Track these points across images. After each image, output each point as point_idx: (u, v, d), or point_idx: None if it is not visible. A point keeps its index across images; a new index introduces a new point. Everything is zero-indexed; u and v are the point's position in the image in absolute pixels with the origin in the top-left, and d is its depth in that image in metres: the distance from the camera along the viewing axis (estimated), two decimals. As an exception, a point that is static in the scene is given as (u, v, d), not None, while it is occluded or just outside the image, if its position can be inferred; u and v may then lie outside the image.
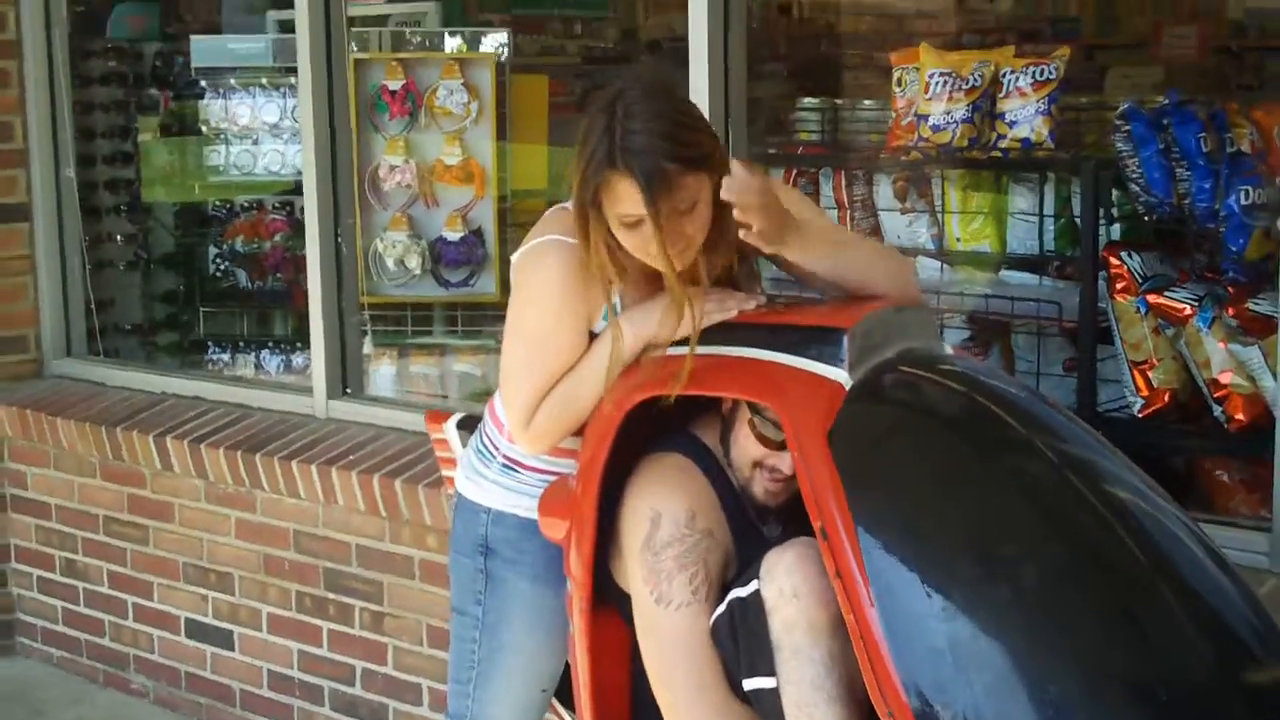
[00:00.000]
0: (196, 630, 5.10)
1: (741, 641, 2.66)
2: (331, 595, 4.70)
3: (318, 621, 4.76)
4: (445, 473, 3.47)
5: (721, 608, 2.70)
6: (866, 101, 4.54)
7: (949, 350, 3.02)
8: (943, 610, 2.41)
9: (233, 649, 5.00)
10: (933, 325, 3.06)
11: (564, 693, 3.23)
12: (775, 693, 2.60)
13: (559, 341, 2.90)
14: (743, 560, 2.78)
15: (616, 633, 2.94)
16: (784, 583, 2.57)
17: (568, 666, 3.14)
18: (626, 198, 2.72)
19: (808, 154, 4.43)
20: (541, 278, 2.90)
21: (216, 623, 5.04)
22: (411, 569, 4.49)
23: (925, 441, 2.70)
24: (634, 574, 2.77)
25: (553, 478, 3.07)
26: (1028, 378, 4.03)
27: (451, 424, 3.40)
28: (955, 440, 2.70)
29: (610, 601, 2.92)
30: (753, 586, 2.63)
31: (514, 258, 2.98)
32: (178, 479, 5.04)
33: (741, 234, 2.72)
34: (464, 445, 3.29)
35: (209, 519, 5.00)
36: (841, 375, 2.65)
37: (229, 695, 5.04)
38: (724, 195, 2.67)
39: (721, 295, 2.87)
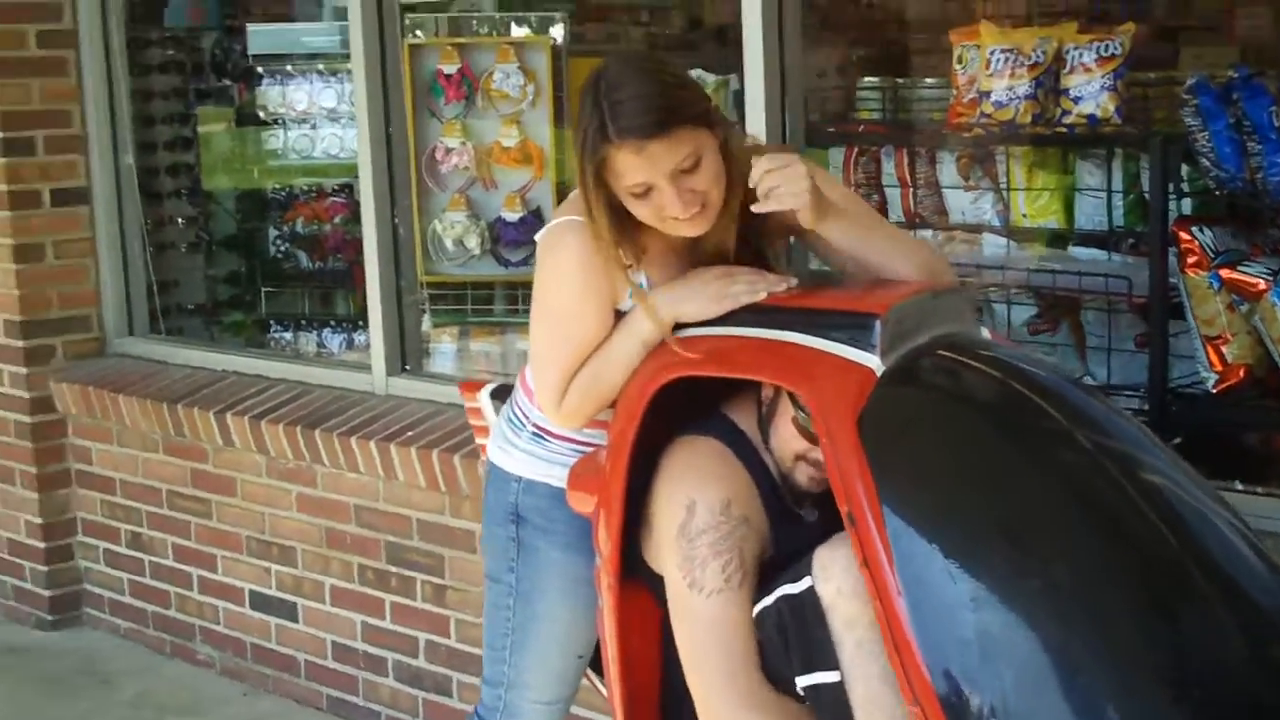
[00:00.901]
0: (261, 602, 5.20)
1: (793, 638, 2.66)
2: (393, 568, 4.79)
3: (380, 594, 4.84)
4: (479, 441, 3.49)
5: (769, 601, 2.69)
6: (928, 80, 4.53)
7: (986, 336, 2.99)
8: (971, 600, 2.39)
9: (297, 621, 5.10)
10: (970, 310, 3.02)
11: (598, 661, 3.21)
12: (836, 687, 2.60)
13: (583, 320, 2.91)
14: (779, 543, 2.79)
15: (645, 607, 2.93)
16: (841, 581, 2.57)
17: (602, 635, 3.18)
18: (628, 168, 2.73)
19: (869, 132, 4.44)
20: (562, 257, 2.90)
21: (280, 595, 5.14)
22: (472, 543, 4.55)
23: (958, 428, 2.67)
24: (668, 559, 2.77)
25: (582, 447, 3.08)
26: (1099, 354, 4.01)
27: (485, 393, 3.42)
28: (989, 427, 2.67)
29: (639, 576, 2.92)
30: (805, 584, 2.62)
31: (537, 238, 3.01)
32: (239, 454, 5.14)
33: (785, 210, 2.76)
34: (497, 415, 3.31)
35: (271, 493, 5.10)
36: (873, 360, 2.62)
37: (294, 666, 5.14)
38: (754, 179, 2.73)
39: (752, 277, 2.86)
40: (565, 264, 2.90)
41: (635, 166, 2.72)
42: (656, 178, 2.73)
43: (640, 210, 2.79)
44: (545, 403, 3.01)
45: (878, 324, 2.64)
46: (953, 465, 2.59)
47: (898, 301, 2.72)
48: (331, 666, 5.02)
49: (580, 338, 2.92)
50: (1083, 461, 2.57)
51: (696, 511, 2.74)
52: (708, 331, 2.83)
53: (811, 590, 2.61)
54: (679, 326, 2.86)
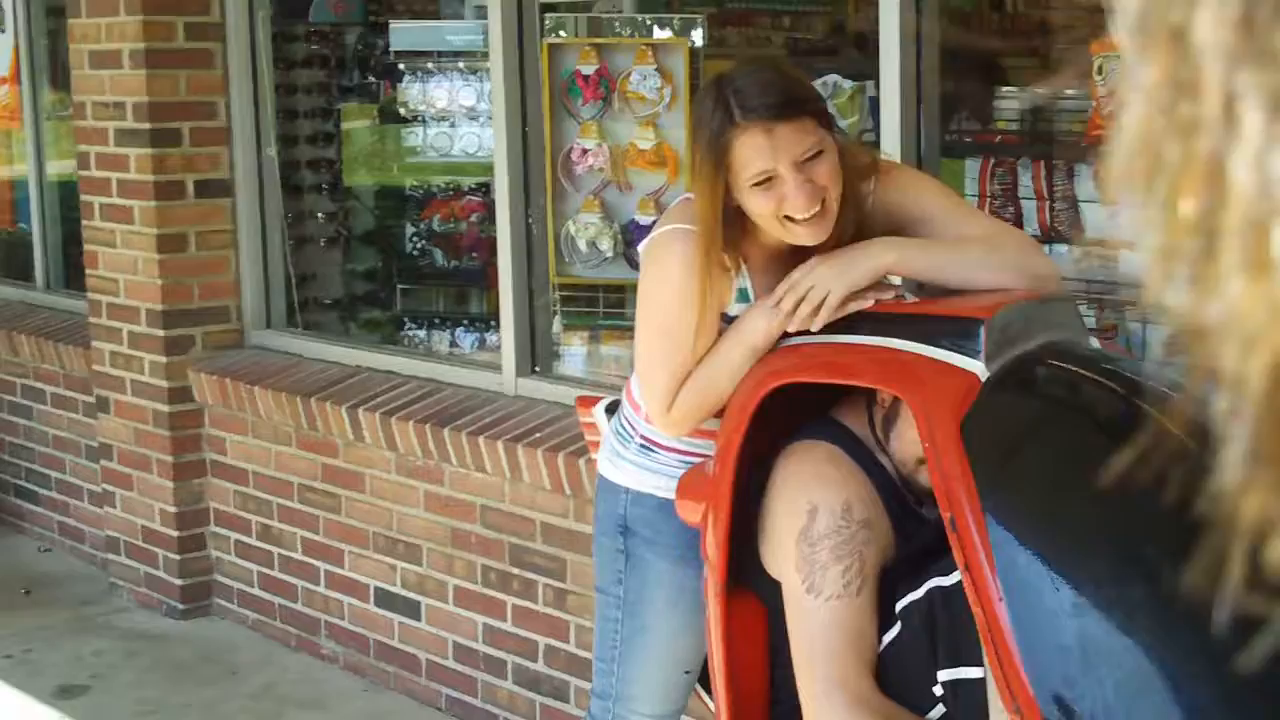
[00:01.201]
0: (385, 599, 5.22)
1: (941, 631, 2.64)
2: (516, 570, 4.78)
3: (502, 596, 4.84)
4: (594, 456, 3.50)
5: (919, 594, 2.68)
6: (1068, 91, 4.47)
7: (1095, 344, 2.98)
8: (1074, 607, 2.37)
9: (419, 619, 5.11)
10: (1077, 317, 3.00)
11: (704, 675, 3.21)
12: (978, 684, 2.58)
13: (689, 328, 2.89)
14: (906, 542, 2.78)
15: (752, 615, 2.94)
16: None
17: (711, 648, 3.17)
18: (754, 152, 2.72)
19: (1006, 144, 4.38)
20: (669, 264, 2.90)
21: (405, 592, 5.15)
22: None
23: (1062, 434, 2.66)
24: (787, 563, 2.77)
25: (689, 458, 3.08)
26: None
27: (600, 408, 3.42)
28: (1094, 434, 2.65)
29: (746, 583, 2.92)
30: (957, 576, 2.59)
31: (640, 247, 3.00)
32: (369, 450, 5.16)
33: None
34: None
35: (399, 490, 5.11)
36: (977, 366, 2.62)
37: (415, 665, 5.15)
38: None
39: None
40: (673, 271, 2.89)
41: (761, 150, 2.71)
42: (781, 164, 2.72)
43: (759, 204, 2.77)
44: (653, 411, 3.00)
45: (982, 329, 2.64)
46: (1056, 471, 2.59)
47: (1003, 307, 2.72)
48: (452, 666, 5.02)
49: (687, 345, 2.91)
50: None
51: (818, 516, 2.73)
52: (815, 340, 2.84)
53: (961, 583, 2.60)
54: (785, 335, 2.86)
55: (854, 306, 2.81)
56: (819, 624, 2.71)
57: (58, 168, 6.95)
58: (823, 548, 2.71)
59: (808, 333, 2.84)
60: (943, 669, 2.65)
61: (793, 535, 2.75)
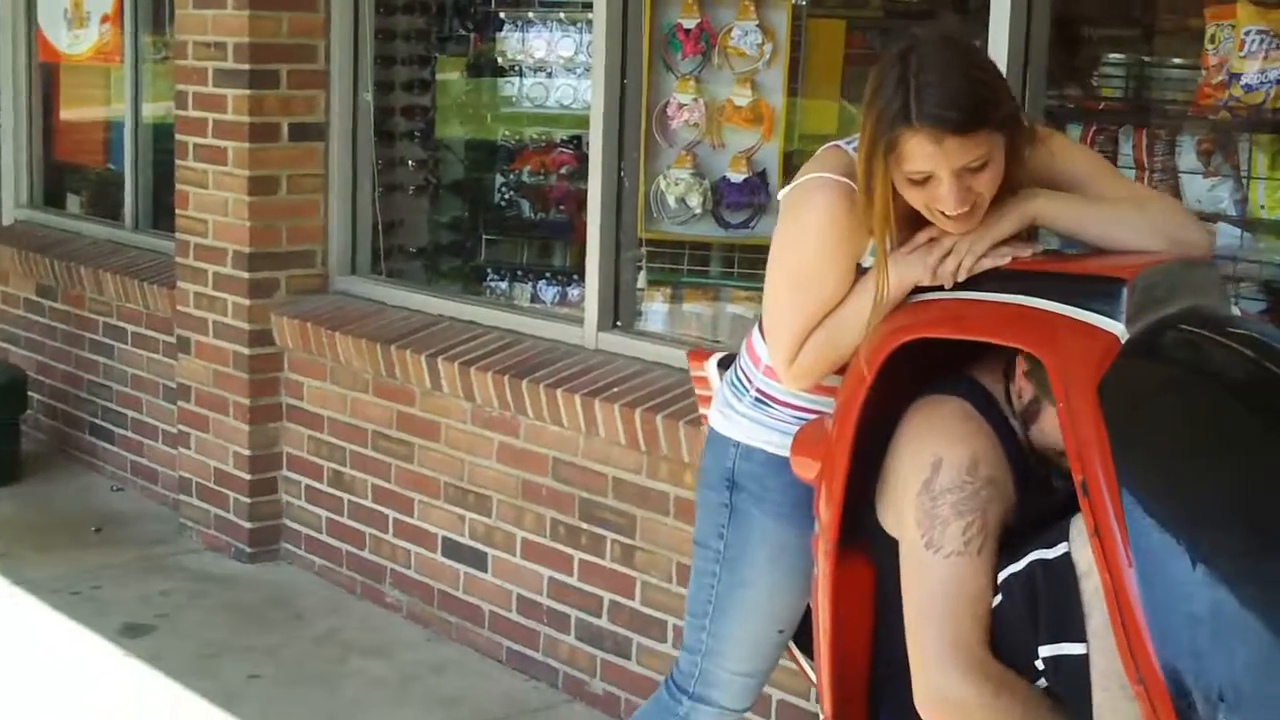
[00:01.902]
0: (452, 549, 5.16)
1: (1044, 605, 2.57)
2: (585, 525, 4.72)
3: (570, 550, 4.78)
4: (703, 410, 3.44)
5: (1020, 566, 2.61)
6: (1175, 59, 4.39)
7: (1238, 313, 2.89)
8: (1206, 578, 2.31)
9: (485, 570, 5.05)
10: (1220, 285, 2.93)
11: (802, 639, 3.19)
12: (1080, 660, 2.51)
13: (825, 281, 2.86)
14: (1024, 510, 2.70)
15: (861, 575, 2.89)
16: None
17: (808, 611, 3.10)
18: (919, 154, 2.68)
19: (1109, 110, 4.30)
20: (811, 217, 2.86)
21: (472, 543, 5.09)
22: (666, 505, 4.48)
23: (1202, 403, 2.59)
24: (907, 516, 2.70)
25: (805, 414, 3.03)
26: None
27: (713, 362, 3.37)
28: (1235, 405, 2.59)
29: (855, 544, 2.86)
30: (1061, 549, 2.54)
31: (781, 194, 2.95)
32: (446, 399, 5.11)
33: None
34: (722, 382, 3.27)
35: (473, 440, 5.05)
36: (1118, 328, 2.54)
37: (479, 616, 5.09)
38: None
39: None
40: (814, 222, 2.86)
41: (927, 155, 2.68)
42: (943, 171, 2.68)
43: (912, 194, 2.75)
44: (778, 361, 2.96)
45: (1124, 290, 2.56)
46: (1194, 440, 2.52)
47: (1146, 268, 2.64)
48: (515, 619, 4.96)
49: (821, 297, 2.87)
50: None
51: (942, 469, 2.67)
52: (948, 296, 2.77)
53: (1067, 556, 2.54)
54: (918, 290, 2.80)
55: (990, 263, 2.74)
56: (937, 580, 2.65)
57: (151, 110, 6.94)
58: (945, 502, 2.65)
59: (940, 288, 2.77)
60: (1044, 644, 2.58)
61: (915, 487, 2.68)
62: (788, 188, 2.93)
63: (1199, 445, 2.51)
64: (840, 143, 2.93)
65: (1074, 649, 2.53)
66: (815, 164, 2.91)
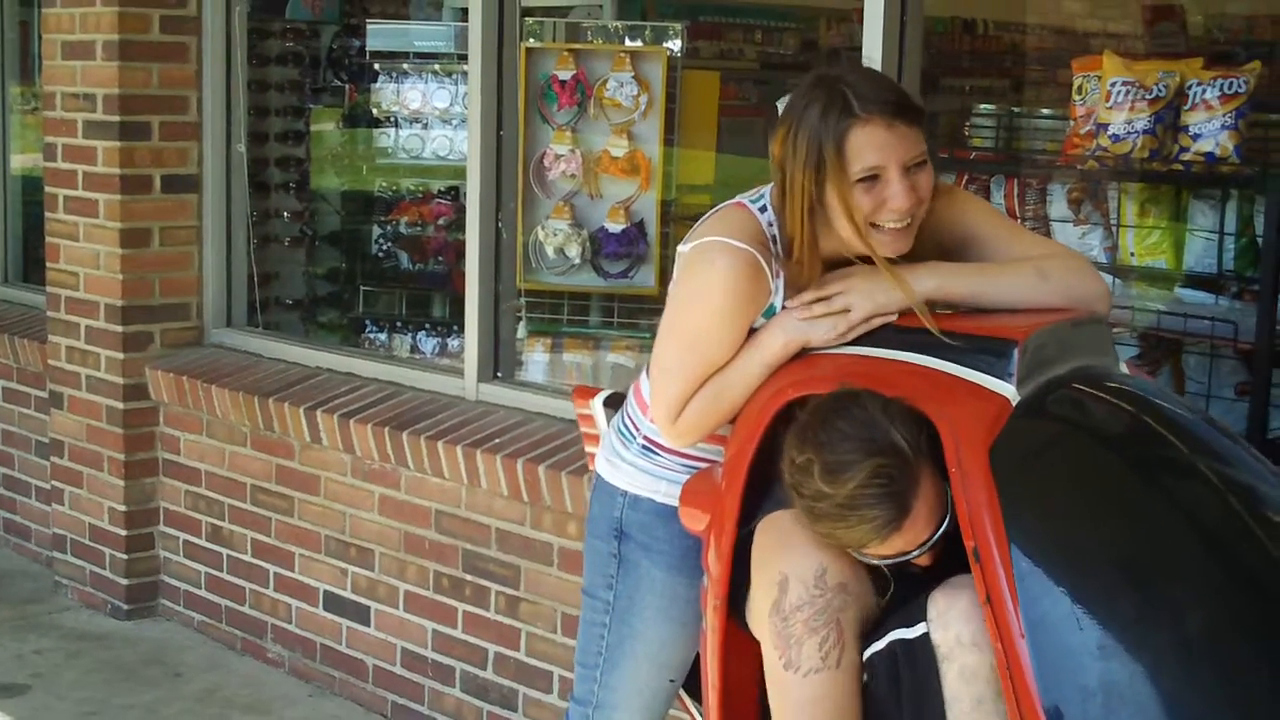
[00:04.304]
0: (334, 603, 5.13)
1: (906, 685, 2.55)
2: (469, 577, 4.70)
3: (454, 602, 4.75)
4: (588, 449, 3.42)
5: (881, 645, 2.59)
6: (1044, 110, 4.47)
7: (1124, 369, 2.89)
8: (1098, 648, 2.31)
9: (368, 624, 5.02)
10: (1110, 342, 2.94)
11: (692, 685, 3.17)
12: None
13: (718, 344, 2.83)
14: (897, 584, 2.66)
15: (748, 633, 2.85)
16: (960, 629, 2.47)
17: (697, 658, 3.08)
18: (869, 146, 2.66)
19: (980, 160, 4.37)
20: (708, 279, 2.82)
21: (354, 597, 5.06)
22: (550, 555, 4.47)
23: (1091, 465, 2.59)
24: (763, 637, 2.68)
25: (693, 463, 3.01)
26: (1197, 400, 3.90)
27: (599, 400, 3.35)
28: (1124, 466, 2.59)
29: (744, 598, 2.81)
30: (920, 629, 2.52)
31: (682, 248, 2.90)
32: (326, 452, 5.08)
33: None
34: (608, 423, 3.25)
35: (353, 494, 5.03)
36: (1009, 389, 2.54)
37: (362, 670, 5.05)
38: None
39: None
40: (713, 285, 2.81)
41: (877, 146, 2.66)
42: (892, 163, 2.66)
43: (859, 201, 2.68)
44: (660, 417, 2.93)
45: (1016, 351, 2.55)
46: (1085, 505, 2.51)
47: (1038, 329, 2.63)
48: (399, 673, 4.93)
49: (710, 359, 2.84)
50: (1214, 502, 2.52)
51: (789, 587, 2.62)
52: (839, 350, 2.76)
53: (926, 637, 2.51)
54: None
55: (879, 321, 2.74)
56: (802, 700, 2.61)
57: (20, 161, 6.85)
58: (796, 620, 2.60)
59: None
60: None
61: (766, 609, 2.65)
62: (689, 244, 2.88)
63: (1089, 510, 2.49)
64: (745, 199, 2.89)
65: None
66: (719, 224, 2.85)
